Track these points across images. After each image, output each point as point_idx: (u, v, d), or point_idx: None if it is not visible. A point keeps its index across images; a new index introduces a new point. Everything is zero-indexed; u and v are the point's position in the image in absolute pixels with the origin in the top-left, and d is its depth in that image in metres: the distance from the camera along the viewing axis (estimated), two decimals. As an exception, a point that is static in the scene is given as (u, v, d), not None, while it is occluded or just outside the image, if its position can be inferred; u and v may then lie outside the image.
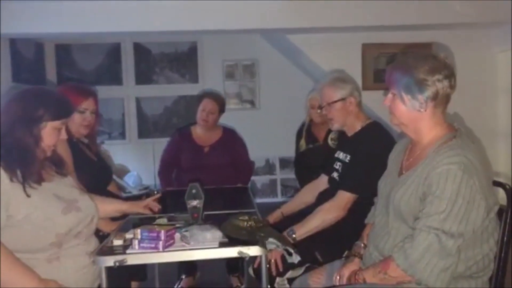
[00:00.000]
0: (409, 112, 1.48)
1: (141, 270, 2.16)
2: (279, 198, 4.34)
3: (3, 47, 3.40)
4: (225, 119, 3.32)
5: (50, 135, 1.55)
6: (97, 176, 2.26)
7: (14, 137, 1.48)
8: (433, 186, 1.37)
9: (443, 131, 1.48)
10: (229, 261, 3.11)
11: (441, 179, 1.35)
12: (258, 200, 2.66)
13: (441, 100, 1.46)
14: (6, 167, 1.44)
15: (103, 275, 1.54)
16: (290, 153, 3.74)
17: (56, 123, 1.56)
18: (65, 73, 4.30)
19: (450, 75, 1.45)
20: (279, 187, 4.41)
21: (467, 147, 1.41)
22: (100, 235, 1.87)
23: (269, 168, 4.44)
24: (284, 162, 4.43)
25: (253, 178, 3.57)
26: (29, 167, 1.48)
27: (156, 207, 2.05)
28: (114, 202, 2.01)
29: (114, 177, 2.66)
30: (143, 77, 4.39)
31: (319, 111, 2.33)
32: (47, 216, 1.48)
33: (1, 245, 1.40)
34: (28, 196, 1.46)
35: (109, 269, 1.55)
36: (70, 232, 1.53)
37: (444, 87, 1.44)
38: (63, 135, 1.61)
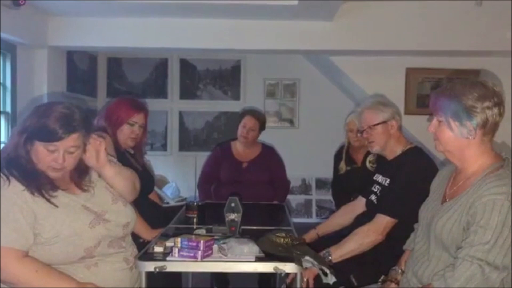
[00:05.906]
0: (457, 140, 1.46)
1: (177, 280, 2.21)
2: (314, 219, 4.30)
3: (61, 59, 3.63)
4: (263, 137, 3.37)
5: (39, 154, 1.43)
6: (140, 185, 2.34)
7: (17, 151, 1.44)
8: (478, 215, 1.34)
9: (490, 160, 1.45)
10: (262, 278, 3.11)
11: (487, 209, 1.33)
12: (293, 220, 2.65)
13: (490, 128, 1.43)
14: (23, 182, 1.40)
15: (143, 279, 1.59)
16: (327, 174, 3.72)
17: (42, 144, 1.42)
18: (115, 84, 4.52)
19: (499, 102, 1.43)
20: (314, 208, 4.38)
21: (515, 178, 1.38)
22: (140, 242, 1.94)
23: (305, 188, 4.42)
24: (320, 183, 4.40)
25: (288, 197, 3.57)
26: (35, 180, 1.42)
27: None
28: None
29: (154, 187, 2.75)
30: (187, 92, 4.54)
31: (359, 135, 2.34)
32: (75, 231, 1.44)
33: (31, 259, 1.38)
34: (56, 206, 1.42)
35: (148, 275, 1.59)
36: (99, 244, 1.49)
37: (494, 114, 1.41)
38: (69, 160, 1.44)
